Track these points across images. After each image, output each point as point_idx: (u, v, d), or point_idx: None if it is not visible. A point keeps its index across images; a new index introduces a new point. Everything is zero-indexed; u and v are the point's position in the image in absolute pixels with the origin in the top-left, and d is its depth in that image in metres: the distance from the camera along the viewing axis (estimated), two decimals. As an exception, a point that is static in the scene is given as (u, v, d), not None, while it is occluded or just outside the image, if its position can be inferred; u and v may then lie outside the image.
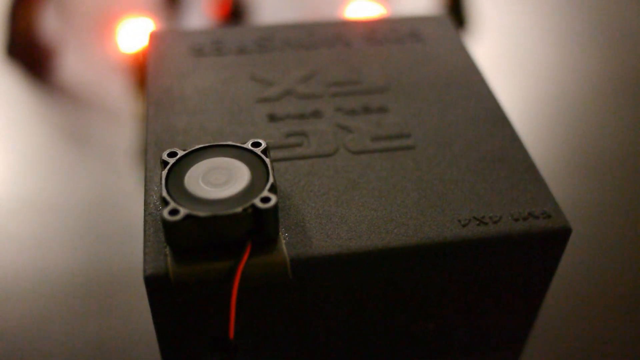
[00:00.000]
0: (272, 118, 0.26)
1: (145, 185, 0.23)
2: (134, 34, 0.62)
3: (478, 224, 0.22)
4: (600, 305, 0.48)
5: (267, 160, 0.22)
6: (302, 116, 0.26)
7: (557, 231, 0.22)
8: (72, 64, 0.74)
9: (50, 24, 0.78)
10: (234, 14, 0.78)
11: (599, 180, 0.60)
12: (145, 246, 0.21)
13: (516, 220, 0.22)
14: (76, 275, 0.51)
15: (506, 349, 0.27)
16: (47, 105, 0.70)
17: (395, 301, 0.23)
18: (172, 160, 0.22)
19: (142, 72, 0.63)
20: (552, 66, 0.74)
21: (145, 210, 0.22)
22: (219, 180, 0.21)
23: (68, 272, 0.51)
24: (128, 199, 0.58)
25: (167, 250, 0.21)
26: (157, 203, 0.22)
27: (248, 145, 0.22)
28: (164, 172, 0.21)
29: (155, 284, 0.21)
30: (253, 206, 0.20)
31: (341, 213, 0.22)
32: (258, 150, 0.22)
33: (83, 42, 0.77)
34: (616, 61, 0.75)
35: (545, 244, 0.23)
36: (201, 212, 0.20)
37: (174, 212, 0.20)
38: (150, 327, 0.46)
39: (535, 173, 0.24)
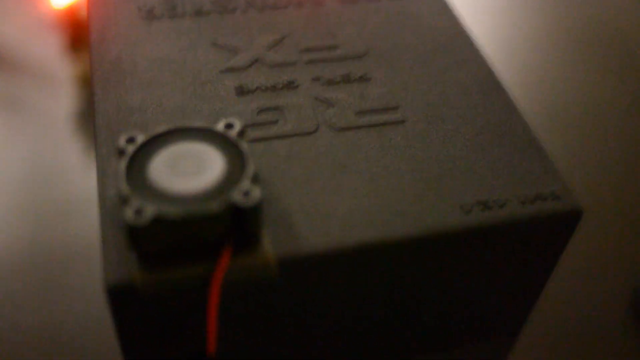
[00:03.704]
0: (241, 91, 0.23)
1: (98, 177, 0.20)
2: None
3: (482, 209, 0.20)
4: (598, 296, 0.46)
5: (244, 146, 0.19)
6: (274, 88, 0.23)
7: (567, 214, 0.20)
8: (-4, 22, 0.68)
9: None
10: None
11: (596, 148, 0.57)
12: (104, 251, 0.18)
13: (523, 203, 0.20)
14: (15, 256, 0.47)
15: (499, 340, 0.25)
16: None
17: (391, 297, 0.21)
18: (131, 148, 0.19)
19: (77, 29, 0.58)
20: (537, 19, 0.71)
21: (101, 208, 0.19)
22: (188, 171, 0.18)
23: (6, 254, 0.47)
24: (69, 170, 0.54)
25: (131, 254, 0.18)
26: (115, 199, 0.19)
27: (220, 127, 0.19)
28: (123, 163, 0.18)
29: (119, 296, 0.18)
30: (232, 202, 0.17)
31: (329, 202, 0.20)
32: (232, 133, 0.19)
33: (7, -3, 0.70)
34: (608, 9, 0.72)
35: (554, 227, 0.21)
36: (172, 211, 0.17)
37: (139, 212, 0.17)
38: (103, 311, 0.42)
39: (538, 148, 0.22)
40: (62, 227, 0.49)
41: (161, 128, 0.19)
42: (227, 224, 0.18)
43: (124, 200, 0.17)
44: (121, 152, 0.18)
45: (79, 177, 0.53)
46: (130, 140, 0.19)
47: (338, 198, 0.20)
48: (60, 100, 0.60)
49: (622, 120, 0.59)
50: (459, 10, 0.26)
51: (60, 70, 0.62)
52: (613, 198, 0.52)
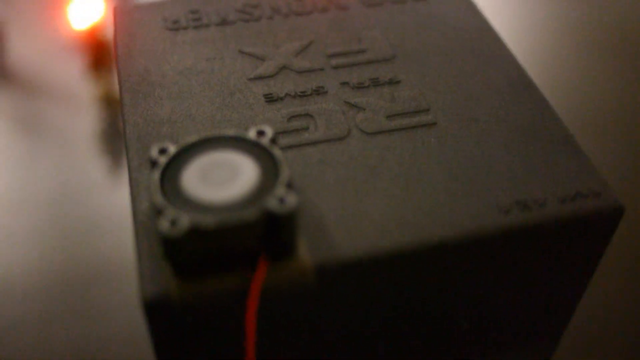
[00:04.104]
0: (270, 99, 0.22)
1: (131, 189, 0.20)
2: (87, 8, 0.57)
3: (521, 210, 0.19)
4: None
5: (278, 152, 0.18)
6: (304, 94, 0.23)
7: (608, 211, 0.20)
8: (19, 46, 0.68)
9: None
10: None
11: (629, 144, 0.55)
12: (139, 263, 0.18)
13: (563, 202, 0.20)
14: (43, 275, 0.47)
15: (538, 347, 0.24)
16: (-4, 92, 0.65)
17: (427, 302, 0.21)
18: (163, 159, 0.18)
19: (98, 50, 0.58)
20: (563, 18, 0.69)
21: (134, 220, 0.19)
22: (221, 180, 0.18)
23: (34, 273, 0.47)
24: (93, 190, 0.54)
25: (167, 266, 0.18)
26: (149, 211, 0.19)
27: (251, 134, 0.19)
28: (156, 174, 0.18)
29: (156, 308, 0.17)
30: (268, 209, 0.17)
31: (364, 207, 0.19)
32: (264, 140, 0.19)
33: (30, 20, 0.71)
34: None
35: (594, 226, 0.20)
36: (207, 220, 0.17)
37: (174, 223, 0.17)
38: (132, 328, 0.42)
39: (575, 145, 0.21)
40: (90, 246, 0.49)
41: (192, 138, 0.19)
42: (262, 232, 0.17)
43: (158, 211, 0.17)
44: (154, 163, 0.18)
45: (104, 196, 0.54)
46: (162, 151, 0.19)
47: (373, 202, 0.19)
48: (83, 120, 0.60)
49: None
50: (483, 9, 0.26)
51: (82, 91, 0.63)
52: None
